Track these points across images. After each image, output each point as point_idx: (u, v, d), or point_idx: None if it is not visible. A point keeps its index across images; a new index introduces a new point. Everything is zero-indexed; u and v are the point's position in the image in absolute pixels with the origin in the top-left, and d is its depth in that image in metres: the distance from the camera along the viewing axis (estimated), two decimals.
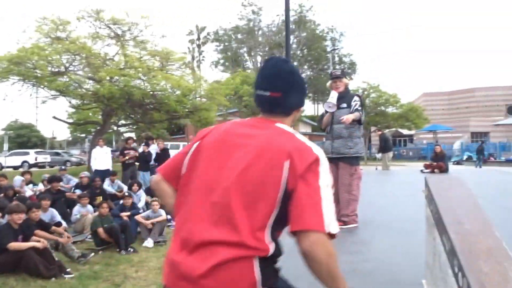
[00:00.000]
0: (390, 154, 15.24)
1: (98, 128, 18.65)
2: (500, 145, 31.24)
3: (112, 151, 25.31)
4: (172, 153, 12.92)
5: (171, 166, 1.59)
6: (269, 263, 1.34)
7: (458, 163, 27.66)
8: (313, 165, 1.35)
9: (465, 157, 28.79)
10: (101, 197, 7.80)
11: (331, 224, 1.27)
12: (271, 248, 1.31)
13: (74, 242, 5.83)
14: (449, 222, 1.99)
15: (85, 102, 16.95)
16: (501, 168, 18.45)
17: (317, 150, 1.40)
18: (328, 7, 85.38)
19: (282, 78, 1.53)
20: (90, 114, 21.61)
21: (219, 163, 1.43)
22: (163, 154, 10.84)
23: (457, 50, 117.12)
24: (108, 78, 14.66)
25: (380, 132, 15.54)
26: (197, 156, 1.50)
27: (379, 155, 15.87)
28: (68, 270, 4.75)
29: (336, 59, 39.56)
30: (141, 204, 7.86)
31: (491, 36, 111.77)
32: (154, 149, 11.14)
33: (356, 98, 5.04)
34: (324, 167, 1.37)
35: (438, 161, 12.63)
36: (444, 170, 12.36)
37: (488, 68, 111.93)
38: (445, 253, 1.93)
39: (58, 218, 6.28)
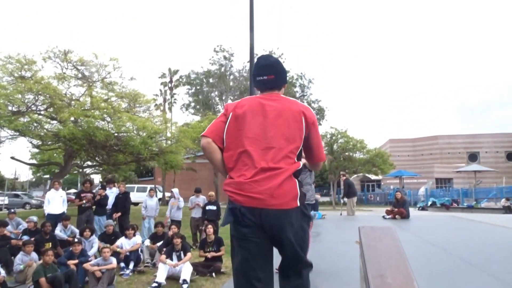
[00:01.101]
0: (355, 199, 15.34)
1: (60, 169, 18.09)
2: (462, 191, 32.16)
3: (75, 193, 24.52)
4: (134, 196, 12.62)
5: (217, 131, 2.30)
6: (300, 186, 2.21)
7: (423, 208, 28.14)
8: (315, 119, 2.35)
9: (429, 203, 29.37)
10: (50, 243, 7.40)
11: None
12: (299, 164, 2.24)
13: None
14: (373, 275, 1.96)
15: (45, 142, 16.50)
16: (462, 214, 18.85)
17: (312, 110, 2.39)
18: (298, 55, 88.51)
19: (272, 66, 2.43)
20: (55, 154, 21.04)
21: (259, 123, 2.24)
22: (123, 198, 10.50)
23: (422, 97, 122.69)
24: (72, 119, 14.41)
25: (344, 177, 15.70)
26: (238, 121, 2.27)
27: (343, 200, 15.96)
28: None
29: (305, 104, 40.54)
30: (92, 251, 7.49)
31: (455, 87, 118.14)
32: (114, 192, 10.76)
33: None
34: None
35: (399, 207, 12.80)
36: (405, 216, 12.51)
37: (450, 117, 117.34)
38: None
39: None
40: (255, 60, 2.60)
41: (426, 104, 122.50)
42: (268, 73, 2.40)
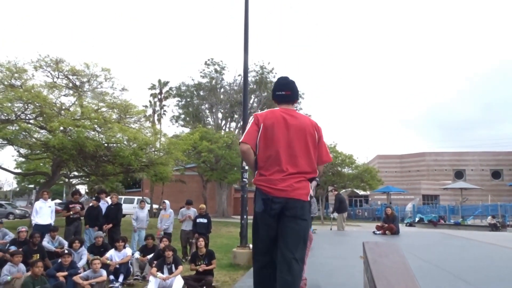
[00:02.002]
0: (345, 214, 15.36)
1: (47, 179, 17.81)
2: (449, 208, 32.47)
3: (61, 204, 24.10)
4: (125, 207, 12.43)
5: (253, 139, 2.94)
6: (310, 187, 2.96)
7: (410, 224, 28.31)
8: (322, 130, 3.10)
9: (417, 219, 29.57)
10: (38, 254, 7.23)
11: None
12: (316, 173, 3.01)
13: None
14: None
15: (34, 152, 16.27)
16: (450, 231, 19.00)
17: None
18: (297, 55, 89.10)
19: (289, 84, 3.20)
20: (41, 164, 20.72)
21: (285, 135, 2.92)
22: (115, 209, 10.34)
23: (409, 114, 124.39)
24: (61, 128, 14.25)
25: (336, 192, 15.72)
26: (267, 131, 2.94)
27: (334, 215, 15.95)
28: None
29: None
30: (81, 263, 7.34)
31: (440, 105, 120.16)
32: (104, 202, 10.60)
33: None
34: None
35: (389, 223, 12.85)
36: (395, 232, 12.55)
37: (436, 135, 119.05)
38: None
39: None
40: (276, 80, 3.36)
41: (414, 120, 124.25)
42: (286, 90, 3.16)
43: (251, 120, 3.03)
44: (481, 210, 29.83)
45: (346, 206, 15.75)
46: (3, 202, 34.50)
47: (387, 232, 12.58)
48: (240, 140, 3.01)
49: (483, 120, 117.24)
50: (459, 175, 51.07)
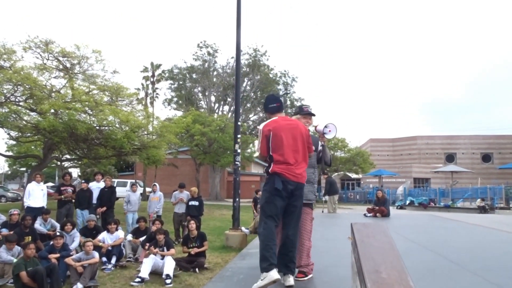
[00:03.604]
0: (336, 197, 15.52)
1: (38, 162, 17.70)
2: (439, 191, 32.89)
3: (53, 187, 24.02)
4: (118, 190, 12.40)
5: (266, 149, 4.01)
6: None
7: (401, 207, 28.69)
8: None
9: (408, 202, 29.95)
10: (30, 237, 7.25)
11: None
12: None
13: None
14: (368, 271, 2.00)
15: (24, 134, 16.12)
16: (439, 213, 19.29)
17: None
18: (282, 52, 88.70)
19: (277, 98, 4.48)
20: (33, 147, 20.55)
21: (288, 136, 3.98)
22: (109, 192, 10.33)
23: (402, 97, 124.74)
24: (52, 110, 14.10)
25: (326, 176, 15.87)
26: (277, 136, 3.96)
27: (325, 198, 16.13)
28: None
29: (288, 102, 40.62)
30: (74, 245, 7.37)
31: (434, 88, 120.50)
32: (98, 186, 10.56)
33: (320, 141, 4.80)
34: None
35: (380, 206, 13.02)
36: (385, 214, 12.73)
37: (429, 118, 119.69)
38: None
39: None
40: (266, 97, 4.59)
41: (406, 104, 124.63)
42: (276, 102, 4.34)
43: (260, 134, 4.10)
44: (470, 193, 30.25)
45: (336, 189, 15.91)
46: None
47: (377, 214, 12.75)
48: (258, 153, 4.27)
49: (476, 103, 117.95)
50: (450, 158, 51.62)
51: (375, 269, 1.98)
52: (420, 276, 4.28)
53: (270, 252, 3.74)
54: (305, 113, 4.71)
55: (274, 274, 3.60)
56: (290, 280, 3.84)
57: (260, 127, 4.14)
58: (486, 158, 51.49)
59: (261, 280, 3.62)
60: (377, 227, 2.54)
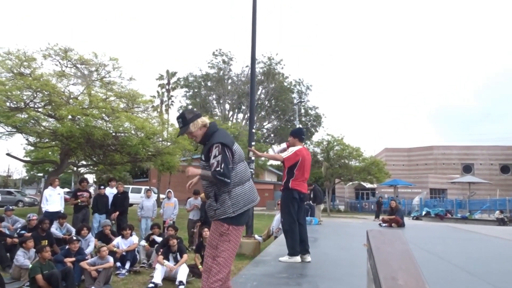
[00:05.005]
0: (321, 206, 15.35)
1: (55, 167, 17.99)
2: (456, 202, 32.29)
3: (69, 192, 24.35)
4: (132, 196, 12.54)
5: (293, 162, 5.55)
6: None
7: (417, 218, 28.23)
8: None
9: (424, 213, 29.46)
10: (46, 241, 7.34)
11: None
12: None
13: None
14: (384, 277, 1.96)
15: (42, 140, 16.42)
16: (456, 224, 18.93)
17: None
18: (298, 55, 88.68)
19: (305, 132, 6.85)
20: (50, 153, 20.89)
21: (308, 162, 5.76)
22: (122, 197, 10.45)
23: (417, 107, 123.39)
24: (70, 117, 14.35)
25: (311, 187, 15.17)
26: (304, 161, 5.61)
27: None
28: None
29: (302, 111, 40.60)
30: (89, 250, 7.45)
31: (450, 98, 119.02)
32: (112, 192, 10.70)
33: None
34: None
35: (394, 216, 12.85)
36: (400, 224, 12.54)
37: (445, 128, 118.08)
38: None
39: None
40: (299, 129, 6.57)
41: (418, 113, 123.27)
42: (304, 135, 6.06)
43: (293, 152, 5.56)
44: (489, 205, 29.61)
45: (321, 198, 15.45)
46: (12, 190, 35.00)
47: (393, 224, 12.57)
48: (283, 155, 5.58)
49: (492, 114, 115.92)
50: (467, 169, 50.69)
51: (391, 276, 1.95)
52: (436, 286, 4.19)
53: (295, 243, 5.56)
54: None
55: (297, 258, 5.58)
56: (308, 258, 5.66)
57: (295, 148, 5.61)
58: (505, 169, 50.38)
59: (288, 258, 5.56)
60: (393, 234, 2.50)
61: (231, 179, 3.05)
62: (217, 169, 3.05)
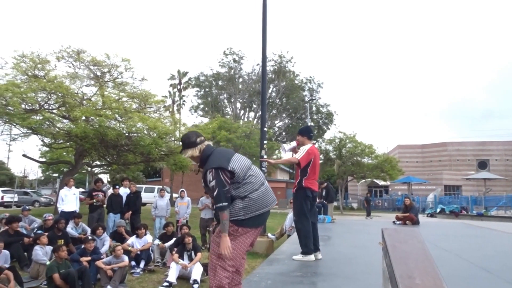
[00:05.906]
0: (333, 204, 15.31)
1: (70, 168, 18.23)
2: (472, 199, 31.84)
3: (84, 192, 24.68)
4: (142, 196, 12.62)
5: (306, 162, 5.53)
6: None
7: (431, 215, 27.91)
8: None
9: (438, 210, 29.11)
10: (62, 240, 7.45)
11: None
12: None
13: None
14: (400, 276, 1.95)
15: (57, 141, 16.65)
16: (472, 221, 18.67)
17: None
18: (308, 58, 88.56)
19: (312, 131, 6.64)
20: (64, 153, 21.17)
21: (318, 160, 5.81)
22: (134, 197, 10.55)
23: (430, 103, 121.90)
24: (83, 117, 14.53)
25: (324, 185, 15.07)
26: (315, 159, 5.63)
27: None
28: None
29: (314, 109, 40.43)
30: (104, 249, 7.54)
31: (464, 94, 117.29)
32: (125, 191, 10.80)
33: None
34: None
35: (408, 213, 12.72)
36: (415, 222, 12.42)
37: (457, 124, 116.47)
38: None
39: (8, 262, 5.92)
40: (307, 127, 6.45)
41: (431, 109, 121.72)
42: (312, 133, 6.06)
43: (305, 151, 5.55)
44: (505, 201, 29.10)
45: (333, 196, 15.36)
46: (29, 191, 35.57)
47: (407, 222, 12.46)
48: (296, 156, 5.59)
49: (504, 109, 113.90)
50: (482, 165, 49.96)
51: (408, 274, 1.93)
52: (453, 284, 4.14)
53: (309, 242, 5.59)
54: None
55: (311, 257, 5.58)
56: (319, 255, 5.74)
57: (307, 147, 5.61)
58: None
59: (302, 257, 5.55)
60: (409, 232, 2.48)
61: (228, 201, 3.03)
62: (214, 194, 3.09)
